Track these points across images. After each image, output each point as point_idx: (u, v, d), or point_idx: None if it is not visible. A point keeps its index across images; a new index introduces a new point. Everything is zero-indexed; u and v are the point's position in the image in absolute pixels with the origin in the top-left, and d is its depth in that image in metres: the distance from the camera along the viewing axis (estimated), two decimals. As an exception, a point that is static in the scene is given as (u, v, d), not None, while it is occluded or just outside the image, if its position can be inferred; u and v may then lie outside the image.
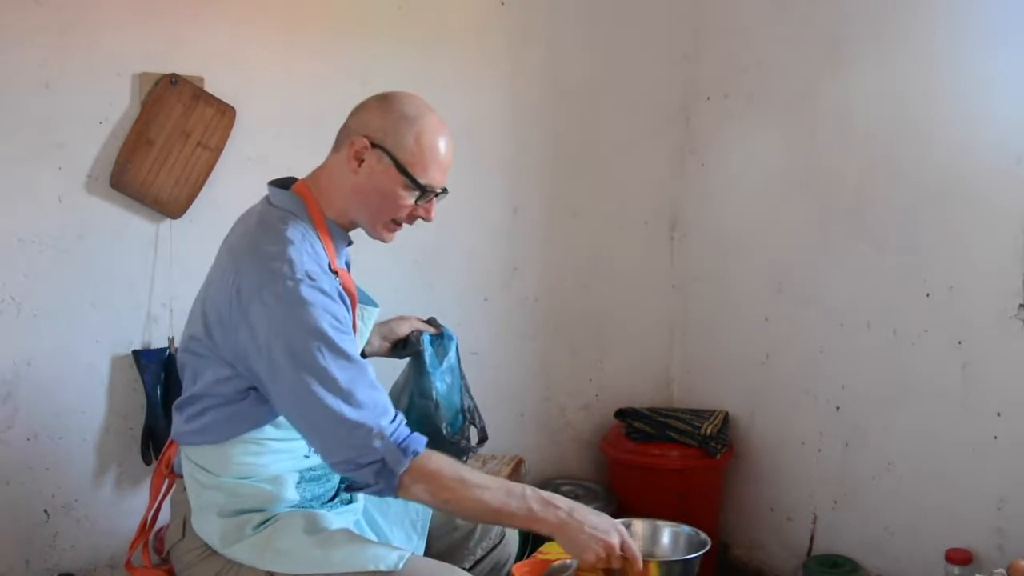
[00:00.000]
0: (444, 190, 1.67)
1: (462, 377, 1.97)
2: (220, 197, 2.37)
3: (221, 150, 2.39)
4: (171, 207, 2.34)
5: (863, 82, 2.54)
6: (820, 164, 2.68)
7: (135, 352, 2.34)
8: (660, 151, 3.16)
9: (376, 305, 1.79)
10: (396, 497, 1.54)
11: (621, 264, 3.14)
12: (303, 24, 2.53)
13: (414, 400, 1.88)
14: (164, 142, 2.31)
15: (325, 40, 2.56)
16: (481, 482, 1.53)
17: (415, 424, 1.85)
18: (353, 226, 1.69)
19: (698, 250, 3.14)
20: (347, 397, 1.48)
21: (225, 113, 2.38)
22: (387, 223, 1.66)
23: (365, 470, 1.49)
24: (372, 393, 1.52)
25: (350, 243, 1.73)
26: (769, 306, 2.86)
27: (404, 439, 1.52)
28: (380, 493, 1.52)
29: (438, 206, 1.71)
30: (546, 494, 1.56)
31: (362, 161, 1.61)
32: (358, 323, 1.69)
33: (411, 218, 1.67)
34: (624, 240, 3.14)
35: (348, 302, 1.61)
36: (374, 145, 1.60)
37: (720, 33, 3.03)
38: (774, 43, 2.82)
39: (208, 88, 2.37)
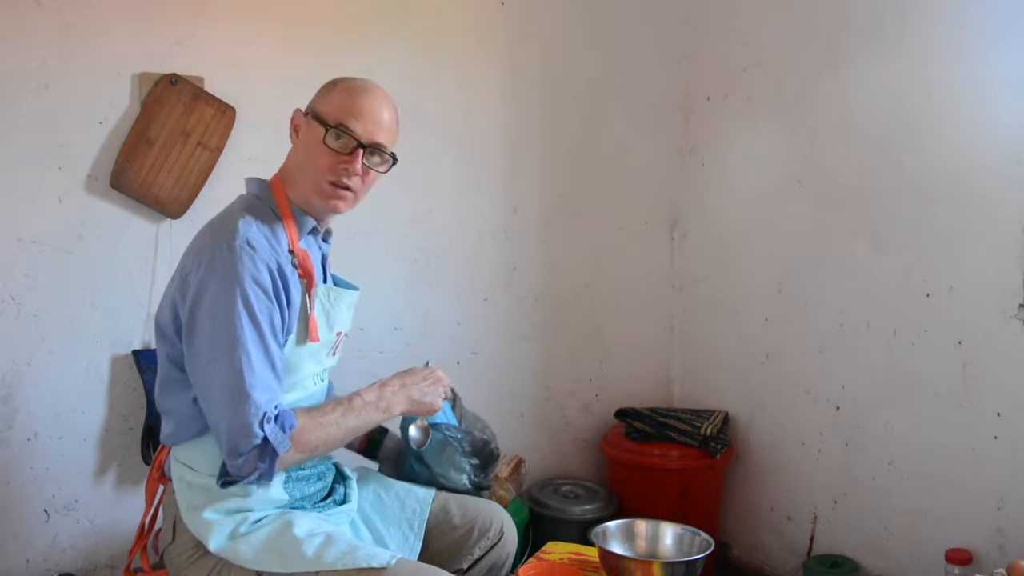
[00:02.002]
0: (381, 149, 1.67)
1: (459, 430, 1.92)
2: (220, 197, 2.35)
3: (221, 150, 2.39)
4: (171, 207, 2.34)
5: (863, 82, 2.54)
6: (820, 164, 2.68)
7: (135, 352, 2.34)
8: (660, 151, 3.16)
9: (355, 288, 1.81)
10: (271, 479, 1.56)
11: (621, 264, 3.14)
12: (303, 24, 2.53)
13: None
14: (164, 142, 2.31)
15: (325, 40, 2.56)
16: (327, 420, 1.61)
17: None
18: (315, 208, 1.70)
19: (698, 250, 3.14)
20: (248, 369, 1.51)
21: (225, 113, 2.38)
22: (325, 187, 1.66)
23: (249, 456, 1.50)
24: (268, 375, 1.54)
25: (315, 230, 1.74)
26: (769, 306, 2.86)
27: (280, 417, 1.53)
28: (261, 478, 1.52)
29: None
30: (371, 388, 1.69)
31: (299, 131, 1.70)
32: (321, 303, 1.70)
33: (338, 172, 1.65)
34: (624, 240, 3.14)
35: (295, 282, 1.63)
36: (305, 113, 1.69)
37: (720, 33, 3.03)
38: (774, 43, 2.82)
39: (208, 88, 2.37)
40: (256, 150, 2.44)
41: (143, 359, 2.34)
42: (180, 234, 2.36)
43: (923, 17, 2.38)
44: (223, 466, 1.54)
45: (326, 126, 1.64)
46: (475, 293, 2.91)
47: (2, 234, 2.21)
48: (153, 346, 2.37)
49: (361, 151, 1.65)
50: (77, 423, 2.31)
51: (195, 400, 1.58)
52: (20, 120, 2.20)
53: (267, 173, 1.76)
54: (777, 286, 2.83)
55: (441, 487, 1.88)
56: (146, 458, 2.35)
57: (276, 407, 1.53)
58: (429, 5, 2.73)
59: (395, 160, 1.71)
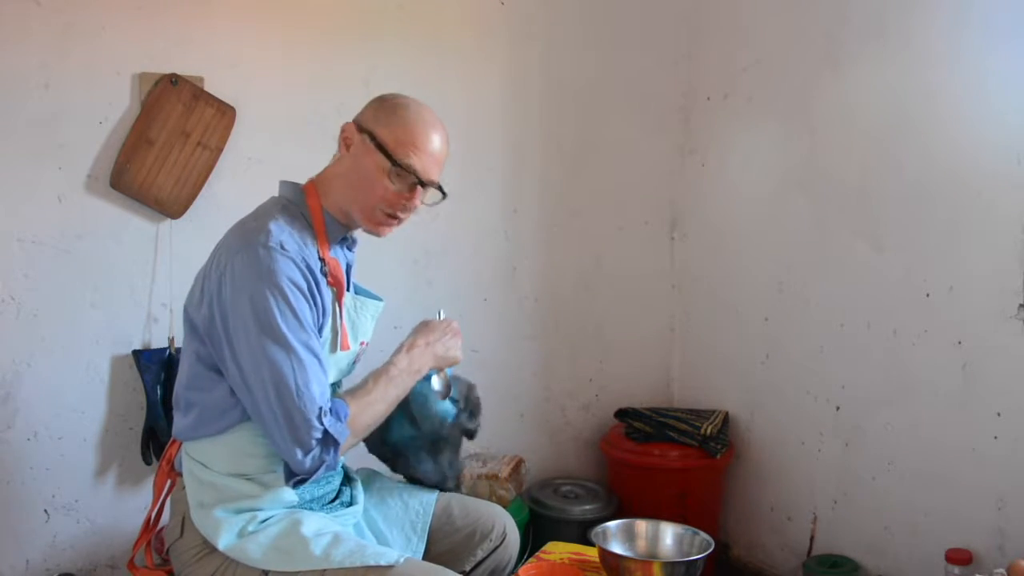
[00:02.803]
0: (437, 186, 1.69)
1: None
2: (220, 197, 2.37)
3: (221, 150, 2.39)
4: (171, 207, 2.34)
5: (863, 82, 2.54)
6: (820, 164, 2.68)
7: (135, 352, 2.34)
8: (660, 151, 3.16)
9: (380, 299, 1.84)
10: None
11: (621, 264, 3.14)
12: (303, 24, 2.53)
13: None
14: (164, 142, 2.31)
15: (325, 40, 2.56)
16: (372, 398, 1.66)
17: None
18: (350, 221, 1.71)
19: (698, 250, 3.15)
20: (299, 366, 1.52)
21: (225, 113, 2.38)
22: (377, 214, 1.67)
23: (315, 451, 1.53)
24: (317, 368, 1.56)
25: (345, 239, 1.75)
26: (769, 306, 2.86)
27: (334, 408, 1.57)
28: (328, 470, 1.57)
29: (439, 207, 1.73)
30: (400, 355, 1.74)
31: (350, 146, 1.67)
32: (348, 313, 1.71)
33: (396, 206, 1.67)
34: (624, 240, 3.14)
35: (325, 289, 1.64)
36: (361, 130, 1.65)
37: (720, 33, 3.03)
38: (774, 43, 2.82)
39: (208, 88, 2.37)
40: (256, 150, 2.44)
41: (143, 359, 2.33)
42: (180, 234, 2.36)
43: (924, 17, 2.37)
44: (286, 466, 1.56)
45: (391, 160, 1.62)
46: (475, 293, 2.91)
47: (2, 234, 2.21)
48: (153, 346, 2.37)
49: (419, 188, 1.66)
50: (77, 423, 2.31)
51: (229, 395, 1.58)
52: (20, 120, 2.20)
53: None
54: (777, 286, 2.83)
55: (428, 448, 1.88)
56: (146, 458, 2.35)
57: (328, 399, 1.56)
58: (429, 5, 2.73)
59: (444, 195, 1.71)
